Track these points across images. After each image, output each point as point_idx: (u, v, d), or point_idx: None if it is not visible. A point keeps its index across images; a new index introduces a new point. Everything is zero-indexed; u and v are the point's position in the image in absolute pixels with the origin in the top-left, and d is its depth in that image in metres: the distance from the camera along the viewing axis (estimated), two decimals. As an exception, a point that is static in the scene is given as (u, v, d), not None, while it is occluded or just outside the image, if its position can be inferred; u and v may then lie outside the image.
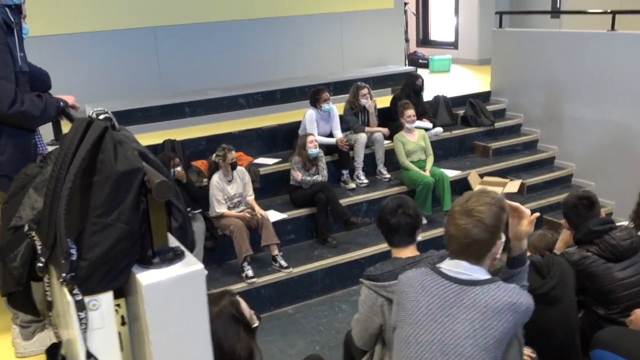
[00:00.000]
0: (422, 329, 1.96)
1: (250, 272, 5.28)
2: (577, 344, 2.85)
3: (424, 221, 5.84)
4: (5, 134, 2.50)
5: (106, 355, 1.44)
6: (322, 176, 5.96)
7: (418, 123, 6.69)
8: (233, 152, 5.48)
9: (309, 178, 5.90)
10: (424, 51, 12.06)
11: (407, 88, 7.28)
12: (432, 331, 1.94)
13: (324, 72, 8.56)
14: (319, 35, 8.65)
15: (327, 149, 6.39)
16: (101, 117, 1.48)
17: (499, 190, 6.42)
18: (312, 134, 6.10)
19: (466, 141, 7.66)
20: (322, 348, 4.73)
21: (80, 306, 1.34)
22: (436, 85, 8.79)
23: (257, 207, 5.55)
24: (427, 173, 6.34)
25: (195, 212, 5.33)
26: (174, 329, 1.43)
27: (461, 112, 7.82)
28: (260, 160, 6.53)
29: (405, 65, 9.94)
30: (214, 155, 5.57)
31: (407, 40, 11.42)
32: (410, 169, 6.37)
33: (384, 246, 2.85)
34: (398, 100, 7.01)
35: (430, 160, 6.53)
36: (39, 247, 1.50)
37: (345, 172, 6.58)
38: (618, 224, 3.56)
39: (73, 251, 1.32)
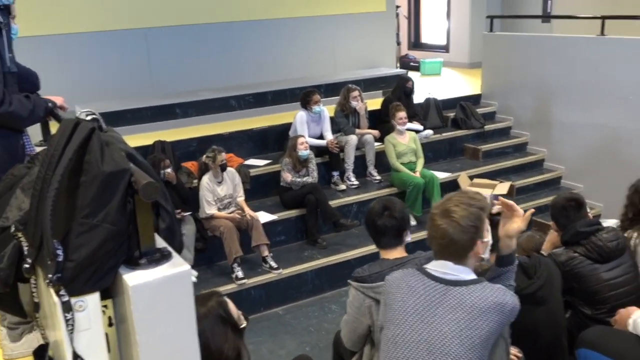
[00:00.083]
0: (409, 329, 1.97)
1: (240, 273, 5.28)
2: (564, 344, 2.87)
3: (414, 222, 5.87)
4: (-7, 134, 2.50)
5: (93, 357, 1.44)
6: (312, 177, 5.97)
7: (408, 125, 6.71)
8: (223, 153, 5.48)
9: (299, 179, 5.91)
10: (415, 54, 12.11)
11: (398, 90, 7.33)
12: (419, 331, 1.95)
13: (316, 74, 8.57)
14: (311, 37, 8.67)
15: (318, 151, 6.41)
16: (88, 118, 1.48)
17: (488, 192, 6.46)
18: (302, 136, 6.11)
19: (456, 143, 7.69)
20: (312, 349, 4.73)
21: (67, 307, 1.34)
22: (427, 87, 8.81)
23: (246, 208, 5.55)
24: (418, 174, 6.37)
25: (186, 214, 5.33)
26: (161, 330, 1.43)
27: (451, 114, 7.86)
28: (251, 161, 6.53)
29: (397, 67, 9.96)
30: (204, 156, 5.57)
31: (398, 43, 11.46)
32: (400, 170, 6.40)
33: (373, 247, 2.86)
34: (389, 103, 7.04)
35: (420, 163, 6.56)
36: (25, 248, 1.50)
37: (335, 173, 6.60)
38: (605, 224, 3.60)
39: (59, 252, 1.32)
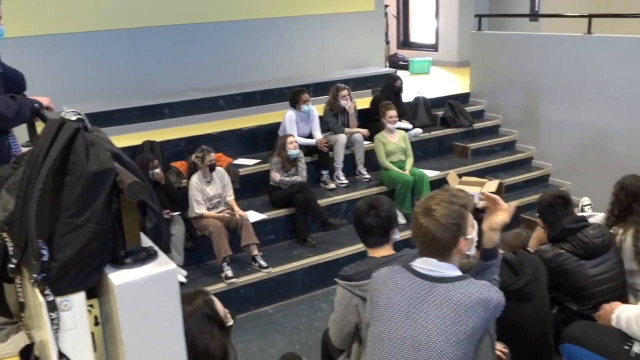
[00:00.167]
0: (395, 326, 1.98)
1: (229, 273, 5.28)
2: (550, 339, 2.89)
3: (403, 221, 5.88)
4: (-22, 135, 2.49)
5: (78, 356, 1.44)
6: (301, 177, 5.98)
7: (398, 124, 6.73)
8: (212, 154, 5.47)
9: (287, 179, 5.92)
10: (404, 53, 12.14)
11: (387, 89, 7.36)
12: (405, 328, 1.96)
13: (305, 73, 8.57)
14: (299, 37, 8.67)
15: (307, 150, 6.42)
16: (73, 118, 1.48)
17: (477, 190, 6.48)
18: (292, 135, 6.12)
19: (445, 142, 7.73)
20: (302, 347, 4.74)
21: (52, 307, 1.35)
22: (416, 86, 8.83)
23: (236, 208, 5.55)
24: (407, 173, 6.39)
25: (174, 214, 5.32)
26: (147, 329, 1.44)
27: (440, 113, 7.89)
28: (240, 161, 6.53)
29: (386, 67, 9.98)
30: (194, 155, 5.56)
31: (387, 42, 11.49)
32: (389, 169, 6.42)
33: (362, 246, 2.87)
34: (378, 102, 7.06)
35: (410, 161, 6.58)
36: (10, 249, 1.50)
37: (325, 172, 6.61)
38: (593, 216, 3.63)
39: (44, 252, 1.33)
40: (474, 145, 7.66)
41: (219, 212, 5.48)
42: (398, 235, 2.82)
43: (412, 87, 8.56)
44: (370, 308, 2.17)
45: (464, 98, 8.38)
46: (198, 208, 5.38)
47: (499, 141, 7.91)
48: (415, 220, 2.05)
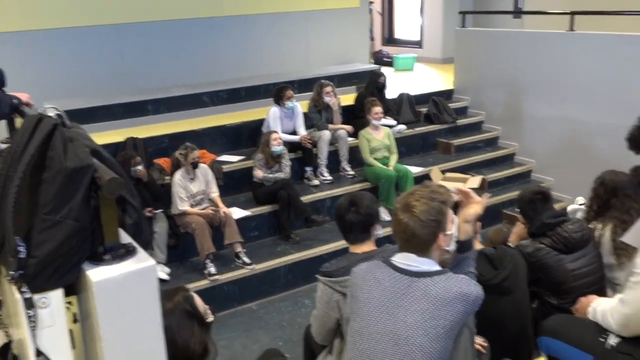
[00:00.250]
0: (375, 321, 2.00)
1: (212, 269, 5.27)
2: (530, 333, 2.93)
3: (388, 217, 5.90)
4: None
5: (56, 353, 1.44)
6: (284, 173, 5.98)
7: (382, 120, 6.75)
8: (196, 151, 5.45)
9: (270, 175, 5.92)
10: (389, 49, 12.16)
11: (371, 86, 7.37)
12: (384, 322, 1.98)
13: (289, 70, 8.56)
14: (284, 33, 8.64)
15: (291, 146, 6.42)
16: (51, 114, 1.47)
17: (460, 185, 6.52)
18: (275, 132, 6.11)
19: (429, 138, 7.76)
20: (286, 343, 4.75)
21: (29, 304, 1.34)
22: (401, 83, 8.86)
23: (221, 204, 5.54)
24: (391, 169, 6.42)
25: (157, 211, 5.30)
26: (126, 325, 1.44)
27: (424, 109, 7.92)
28: (224, 157, 6.51)
29: (370, 63, 10.00)
30: (177, 152, 5.54)
31: (372, 39, 11.51)
32: (373, 165, 6.44)
33: (345, 242, 2.89)
34: (362, 98, 7.08)
35: (394, 158, 6.60)
36: (-13, 246, 1.49)
37: (308, 169, 6.61)
38: (574, 205, 3.66)
39: (21, 249, 1.32)
40: (457, 141, 7.70)
41: (203, 209, 5.47)
42: (381, 232, 2.83)
43: (397, 84, 8.58)
44: (350, 303, 2.19)
45: (447, 95, 8.42)
46: (181, 205, 5.36)
47: (482, 137, 7.96)
48: (395, 216, 2.07)
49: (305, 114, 6.71)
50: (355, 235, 2.71)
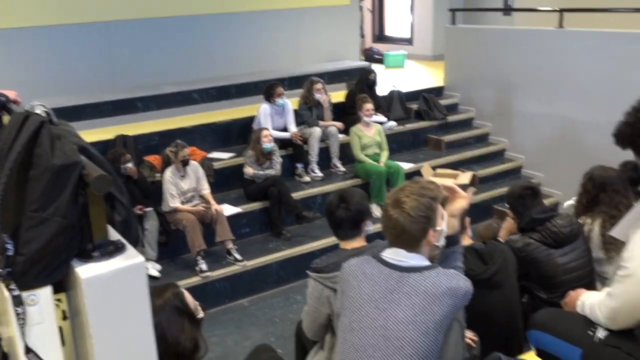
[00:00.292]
0: (365, 316, 2.00)
1: (204, 266, 5.27)
2: (520, 327, 2.95)
3: (379, 214, 5.91)
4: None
5: (46, 350, 1.44)
6: (275, 170, 5.98)
7: (373, 117, 6.76)
8: (186, 149, 5.44)
9: (261, 172, 5.92)
10: (379, 47, 12.17)
11: (361, 83, 7.38)
12: (375, 317, 1.98)
13: (280, 67, 8.56)
14: (274, 30, 8.63)
15: (282, 143, 6.42)
16: (38, 111, 1.47)
17: (451, 182, 6.54)
18: (266, 129, 6.11)
19: (420, 135, 7.78)
20: (277, 339, 4.76)
21: (18, 301, 1.34)
22: (391, 80, 8.87)
23: (212, 201, 5.53)
24: (382, 165, 6.43)
25: (147, 209, 5.28)
26: (116, 322, 1.43)
27: (415, 106, 7.94)
28: (215, 154, 6.50)
29: (361, 60, 10.01)
30: (168, 149, 5.53)
31: (362, 36, 11.51)
32: (363, 161, 6.45)
33: (336, 238, 2.90)
34: (352, 95, 7.09)
35: (385, 155, 6.61)
36: (-25, 243, 1.48)
37: (299, 165, 6.62)
38: (566, 204, 3.68)
39: (9, 246, 1.32)
40: (448, 138, 7.73)
41: (193, 206, 5.46)
42: (371, 228, 2.83)
43: (388, 81, 8.59)
44: (340, 298, 2.19)
45: (438, 91, 8.44)
46: (172, 202, 5.35)
47: (472, 134, 7.99)
48: (385, 212, 2.07)
49: (295, 111, 6.71)
50: (346, 232, 2.71)
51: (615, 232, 2.26)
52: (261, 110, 6.45)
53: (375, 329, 1.97)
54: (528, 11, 9.01)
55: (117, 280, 1.41)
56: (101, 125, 6.58)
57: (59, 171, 1.34)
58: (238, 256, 5.45)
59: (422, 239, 2.03)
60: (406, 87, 8.24)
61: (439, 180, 2.29)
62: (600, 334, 2.03)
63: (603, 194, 3.57)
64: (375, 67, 8.76)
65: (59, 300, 1.48)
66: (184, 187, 5.47)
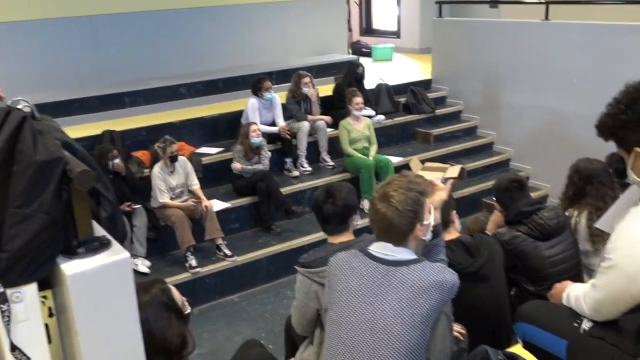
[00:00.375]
0: (352, 310, 2.01)
1: (193, 262, 5.26)
2: (508, 320, 2.96)
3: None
4: None
5: (32, 348, 1.43)
6: (263, 165, 5.97)
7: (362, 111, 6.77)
8: (174, 145, 5.41)
9: (249, 167, 5.90)
10: (367, 40, 12.16)
11: (349, 76, 7.38)
12: (362, 311, 1.99)
13: (267, 61, 8.53)
14: (262, 24, 8.60)
15: (270, 137, 6.41)
16: (20, 106, 1.45)
17: (439, 175, 6.57)
18: (255, 123, 6.09)
19: (408, 128, 7.80)
20: (268, 334, 4.76)
21: (2, 298, 1.33)
22: (379, 73, 8.86)
23: (202, 197, 5.51)
24: (371, 159, 6.43)
25: (136, 206, 5.26)
26: (102, 318, 1.43)
27: (403, 99, 7.95)
28: (203, 149, 6.49)
29: (349, 54, 10.00)
30: (156, 145, 5.50)
31: (350, 30, 11.49)
32: (352, 155, 6.45)
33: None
34: (340, 89, 7.09)
35: (374, 149, 6.62)
36: (-42, 241, 1.47)
37: (288, 160, 6.61)
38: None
39: (-7, 244, 1.31)
40: (436, 131, 7.75)
41: (183, 202, 5.44)
42: (359, 222, 2.83)
43: (375, 74, 8.59)
44: (327, 293, 2.20)
45: (426, 84, 8.46)
46: (161, 197, 5.33)
47: (460, 127, 8.01)
48: (373, 206, 2.08)
49: (283, 105, 6.69)
50: (333, 227, 2.71)
51: (601, 223, 2.28)
52: (249, 105, 6.43)
53: (363, 323, 1.97)
54: (514, 3, 9.04)
55: (103, 276, 1.40)
56: (88, 120, 6.54)
57: (42, 167, 1.33)
58: (228, 252, 5.45)
59: (409, 233, 2.03)
60: (394, 81, 8.25)
61: (428, 174, 2.31)
62: (586, 325, 2.05)
63: (589, 186, 3.60)
64: (363, 60, 8.76)
65: (44, 297, 1.47)
66: (173, 183, 5.45)
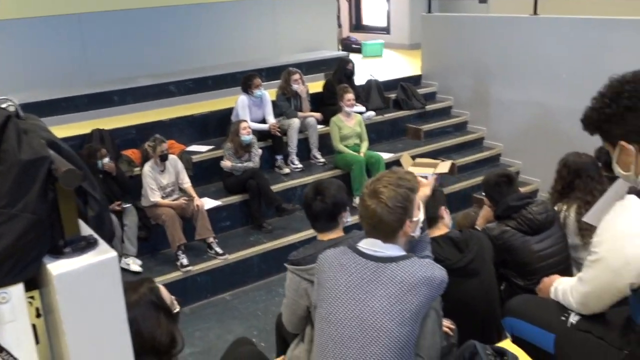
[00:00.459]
0: (341, 307, 2.01)
1: (185, 261, 5.25)
2: (498, 315, 2.97)
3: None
4: None
5: (20, 348, 1.42)
6: (253, 162, 5.96)
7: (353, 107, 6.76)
8: (164, 144, 5.39)
9: (239, 165, 5.89)
10: (357, 36, 12.16)
11: (339, 73, 7.37)
12: (351, 308, 1.99)
13: (257, 58, 8.51)
14: (251, 21, 8.58)
15: (261, 135, 6.39)
16: (4, 105, 1.44)
17: (430, 171, 6.58)
18: (245, 120, 6.08)
19: (398, 124, 7.81)
20: (260, 332, 4.76)
21: (-12, 300, 1.32)
22: (369, 69, 8.86)
23: (194, 195, 5.50)
24: (362, 155, 6.44)
25: (126, 205, 5.24)
26: (89, 318, 1.42)
27: (393, 95, 7.95)
28: (193, 147, 6.47)
29: (339, 50, 9.99)
30: (146, 143, 5.48)
31: (339, 26, 11.48)
32: (343, 151, 6.45)
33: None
34: (330, 85, 7.08)
35: (365, 145, 6.63)
36: (-57, 242, 1.46)
37: (279, 157, 6.61)
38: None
39: (-22, 244, 1.30)
40: (426, 127, 7.77)
41: (174, 200, 5.43)
42: (349, 219, 2.83)
43: (366, 70, 8.59)
44: (317, 289, 2.20)
45: (416, 80, 8.47)
46: (153, 196, 5.31)
47: (450, 122, 8.03)
48: (363, 202, 2.08)
49: (273, 102, 6.69)
50: (323, 224, 2.70)
51: (588, 217, 2.29)
52: (239, 102, 6.41)
53: (352, 319, 1.98)
54: (504, -1, 9.05)
55: (90, 276, 1.40)
56: (77, 119, 6.51)
57: (27, 166, 1.32)
58: (219, 250, 5.44)
59: (399, 229, 2.04)
60: (384, 77, 8.26)
61: (417, 170, 2.32)
62: (573, 319, 2.06)
63: (578, 180, 3.62)
64: (353, 56, 8.75)
65: (32, 297, 1.46)
66: (164, 181, 5.43)
